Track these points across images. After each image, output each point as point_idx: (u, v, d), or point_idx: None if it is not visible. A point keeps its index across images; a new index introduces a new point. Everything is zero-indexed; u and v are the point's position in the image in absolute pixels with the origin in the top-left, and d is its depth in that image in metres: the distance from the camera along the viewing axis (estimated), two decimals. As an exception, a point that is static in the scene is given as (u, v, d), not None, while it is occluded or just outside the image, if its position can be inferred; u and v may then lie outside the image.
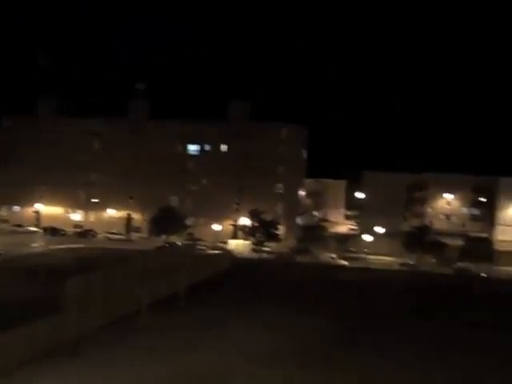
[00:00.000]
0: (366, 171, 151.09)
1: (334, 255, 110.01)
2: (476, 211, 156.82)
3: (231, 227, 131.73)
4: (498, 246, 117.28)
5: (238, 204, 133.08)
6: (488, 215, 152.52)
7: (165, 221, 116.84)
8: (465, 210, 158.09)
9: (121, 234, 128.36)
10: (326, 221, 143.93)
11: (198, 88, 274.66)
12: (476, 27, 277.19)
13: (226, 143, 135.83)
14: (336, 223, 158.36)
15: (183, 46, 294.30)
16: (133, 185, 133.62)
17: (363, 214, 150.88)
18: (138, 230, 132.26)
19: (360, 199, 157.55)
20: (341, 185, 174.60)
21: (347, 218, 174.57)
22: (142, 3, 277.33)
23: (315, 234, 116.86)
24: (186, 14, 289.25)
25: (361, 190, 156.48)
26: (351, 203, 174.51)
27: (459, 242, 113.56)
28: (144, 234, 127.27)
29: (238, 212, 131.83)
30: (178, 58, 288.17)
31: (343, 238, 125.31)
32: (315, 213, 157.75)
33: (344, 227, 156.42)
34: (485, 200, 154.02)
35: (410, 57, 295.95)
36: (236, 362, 28.39)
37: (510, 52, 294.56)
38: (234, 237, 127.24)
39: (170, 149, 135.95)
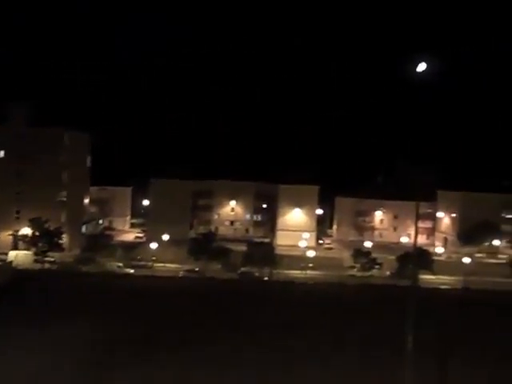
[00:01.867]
0: (151, 178, 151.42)
1: (120, 264, 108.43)
2: (258, 217, 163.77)
3: (11, 237, 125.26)
4: (278, 250, 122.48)
5: (18, 212, 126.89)
6: (269, 221, 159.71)
7: None
8: (248, 217, 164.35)
9: None
10: (112, 229, 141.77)
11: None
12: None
13: (2, 148, 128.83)
14: (122, 231, 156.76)
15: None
16: None
17: (150, 222, 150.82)
18: None
19: (146, 207, 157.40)
20: (126, 192, 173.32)
21: (133, 226, 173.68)
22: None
23: (100, 242, 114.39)
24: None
25: (147, 198, 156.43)
26: (138, 211, 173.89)
27: (243, 248, 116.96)
28: None
29: (19, 221, 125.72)
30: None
31: (129, 246, 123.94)
32: (100, 221, 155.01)
33: (130, 235, 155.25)
34: (266, 206, 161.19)
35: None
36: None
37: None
38: (15, 247, 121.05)
39: None
